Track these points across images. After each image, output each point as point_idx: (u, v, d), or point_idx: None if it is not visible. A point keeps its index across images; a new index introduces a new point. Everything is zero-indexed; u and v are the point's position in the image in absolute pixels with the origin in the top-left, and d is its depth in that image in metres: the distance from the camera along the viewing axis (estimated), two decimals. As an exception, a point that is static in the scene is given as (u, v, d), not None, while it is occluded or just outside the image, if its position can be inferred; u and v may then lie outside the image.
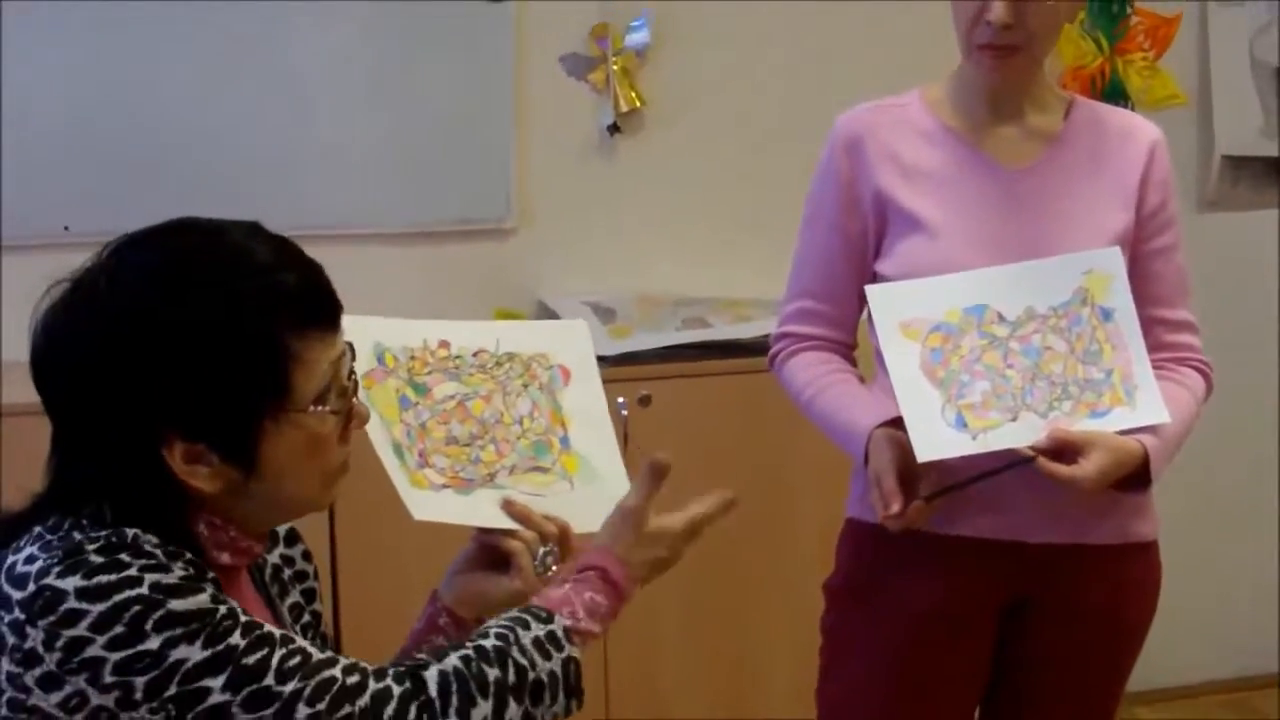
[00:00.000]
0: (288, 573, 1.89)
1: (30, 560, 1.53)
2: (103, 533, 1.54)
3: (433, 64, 3.79)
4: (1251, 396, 4.31)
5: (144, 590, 1.50)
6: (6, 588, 1.54)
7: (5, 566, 1.56)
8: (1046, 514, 2.41)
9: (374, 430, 1.84)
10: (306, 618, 1.89)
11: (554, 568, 1.86)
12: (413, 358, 1.93)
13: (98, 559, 1.51)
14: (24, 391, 2.68)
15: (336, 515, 3.45)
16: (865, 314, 2.46)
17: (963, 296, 2.36)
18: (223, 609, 1.54)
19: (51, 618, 1.50)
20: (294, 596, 1.88)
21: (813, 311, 2.55)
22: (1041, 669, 2.53)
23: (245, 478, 1.62)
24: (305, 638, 1.82)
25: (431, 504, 1.86)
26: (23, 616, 1.51)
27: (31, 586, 1.51)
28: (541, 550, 1.86)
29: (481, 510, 1.88)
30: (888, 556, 2.51)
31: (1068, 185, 2.45)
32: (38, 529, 1.59)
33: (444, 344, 1.96)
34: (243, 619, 1.55)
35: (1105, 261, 2.38)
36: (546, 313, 3.81)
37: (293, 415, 1.61)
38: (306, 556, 1.93)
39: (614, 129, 3.94)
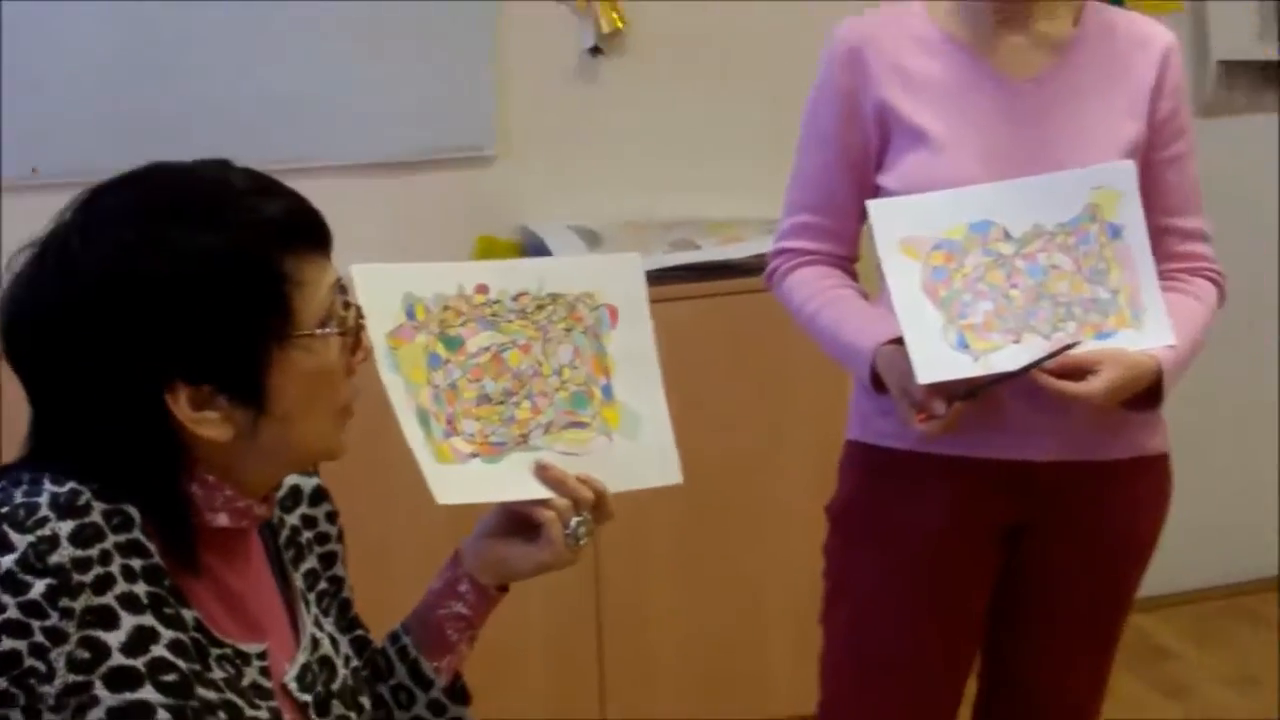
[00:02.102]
0: (306, 535, 1.79)
1: None
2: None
3: (408, -13, 3.69)
4: (1244, 303, 4.24)
5: None
6: None
7: None
8: (1055, 433, 2.36)
9: (398, 397, 1.72)
10: (323, 584, 1.79)
11: (586, 539, 1.75)
12: (446, 307, 1.76)
13: None
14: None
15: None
16: (867, 228, 2.38)
17: (967, 212, 2.29)
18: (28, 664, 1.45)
19: None
20: (310, 562, 1.78)
21: (812, 225, 2.48)
22: (1050, 589, 2.48)
23: (256, 419, 1.54)
24: (319, 606, 1.76)
25: (457, 483, 1.73)
26: None
27: None
28: (575, 520, 1.74)
29: (511, 481, 1.75)
30: (892, 480, 2.46)
31: (1078, 95, 2.38)
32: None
33: (482, 288, 1.79)
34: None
35: (1116, 177, 2.31)
36: (532, 239, 3.74)
37: (298, 340, 1.53)
38: (331, 518, 1.82)
39: (596, 51, 3.85)
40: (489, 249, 3.73)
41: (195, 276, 1.49)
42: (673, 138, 3.94)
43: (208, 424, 1.52)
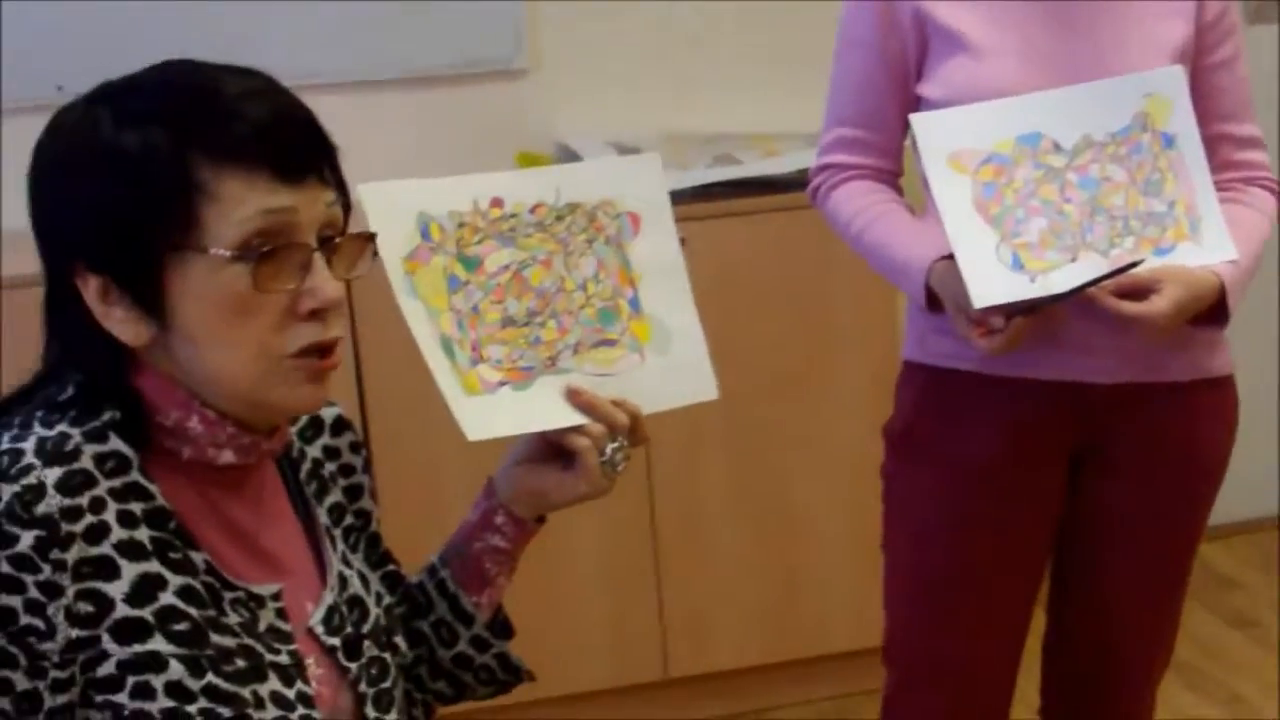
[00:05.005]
0: (329, 467, 1.72)
1: None
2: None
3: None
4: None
5: None
6: None
7: None
8: (1116, 353, 2.29)
9: (418, 325, 1.63)
10: (349, 519, 1.73)
11: (622, 465, 1.67)
12: (461, 224, 1.66)
13: None
14: (25, 262, 2.60)
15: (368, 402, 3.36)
16: (910, 140, 2.31)
17: (1015, 124, 2.21)
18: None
19: None
20: (335, 495, 1.71)
21: (854, 139, 2.40)
22: (1116, 516, 2.42)
23: (161, 330, 1.47)
24: (347, 542, 1.70)
25: (487, 416, 1.63)
26: None
27: None
28: (610, 447, 1.65)
29: (542, 409, 1.67)
30: (951, 402, 2.39)
31: None
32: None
33: (497, 202, 1.68)
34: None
35: (1166, 83, 2.23)
36: (568, 155, 3.67)
37: (196, 255, 1.44)
38: (355, 448, 1.75)
39: (630, -44, 3.77)
40: (528, 167, 3.63)
41: (106, 158, 1.44)
42: (711, 48, 3.86)
43: (115, 322, 1.47)
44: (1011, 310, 2.16)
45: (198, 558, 1.50)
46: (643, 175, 1.78)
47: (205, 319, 1.45)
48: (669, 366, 1.75)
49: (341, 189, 1.53)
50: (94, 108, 1.47)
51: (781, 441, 3.60)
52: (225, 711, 1.46)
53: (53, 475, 1.42)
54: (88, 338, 1.48)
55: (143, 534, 1.46)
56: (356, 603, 1.65)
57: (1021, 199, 2.19)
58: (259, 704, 1.48)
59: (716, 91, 3.86)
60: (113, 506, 1.45)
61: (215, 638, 1.48)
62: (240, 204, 1.43)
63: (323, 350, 1.50)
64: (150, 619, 1.44)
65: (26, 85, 3.40)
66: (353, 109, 3.49)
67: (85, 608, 1.42)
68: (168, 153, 1.42)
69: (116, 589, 1.43)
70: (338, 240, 1.51)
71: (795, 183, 3.35)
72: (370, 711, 1.62)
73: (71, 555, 1.41)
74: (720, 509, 3.61)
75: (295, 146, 1.47)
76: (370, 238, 1.55)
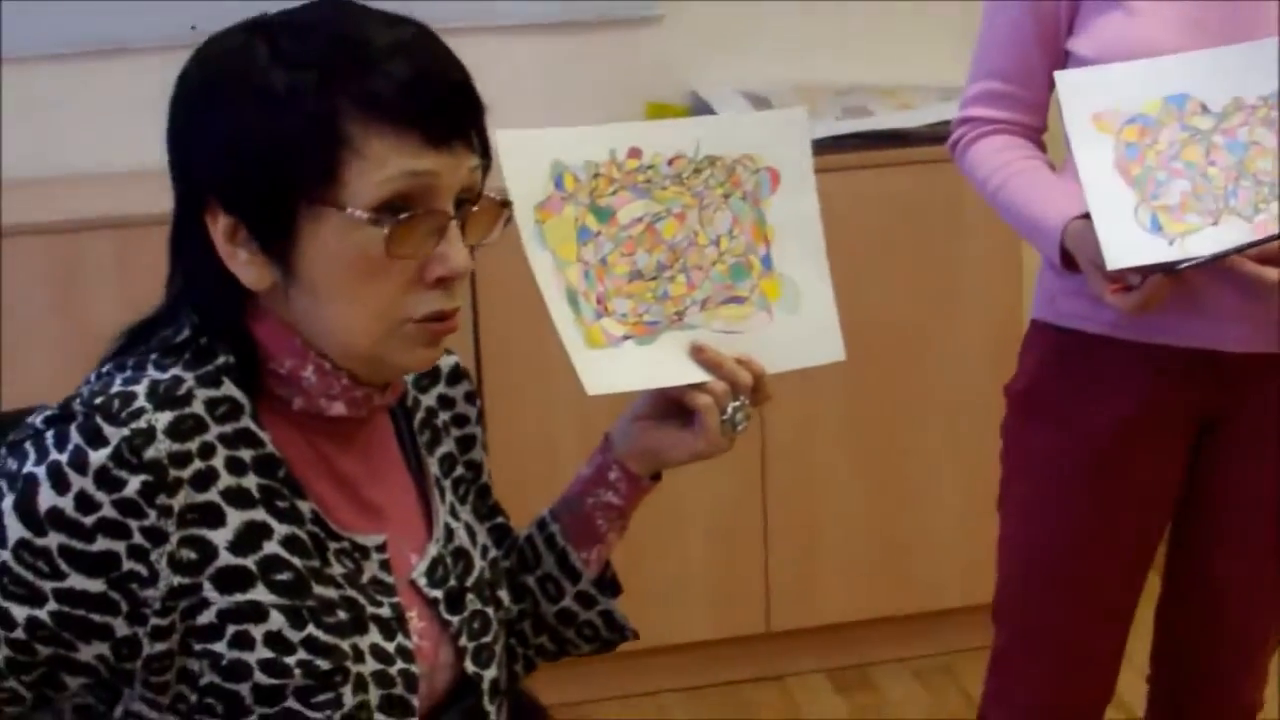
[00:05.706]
0: (443, 416, 1.70)
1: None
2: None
3: None
4: None
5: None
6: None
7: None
8: (1251, 321, 2.22)
9: (544, 276, 1.61)
10: (460, 470, 1.71)
11: (743, 425, 1.64)
12: (596, 175, 1.64)
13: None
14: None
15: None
16: (1056, 97, 2.26)
17: (1162, 84, 2.15)
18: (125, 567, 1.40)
19: None
20: (447, 445, 1.70)
21: (999, 93, 2.35)
22: (1238, 488, 2.36)
23: (284, 279, 1.45)
24: (455, 494, 1.68)
25: (608, 370, 1.61)
26: None
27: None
28: (732, 405, 1.62)
29: (665, 365, 1.64)
30: (1078, 364, 2.34)
31: None
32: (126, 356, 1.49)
33: (634, 152, 1.66)
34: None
35: None
36: (700, 104, 3.64)
37: (332, 211, 1.41)
38: (470, 398, 1.73)
39: (767, -98, 3.72)
40: (659, 116, 3.61)
41: (254, 100, 1.41)
42: (846, -1, 3.81)
43: (239, 263, 1.45)
44: (1148, 271, 2.11)
45: (305, 507, 1.49)
46: (786, 131, 1.75)
47: (331, 275, 1.44)
48: (797, 326, 1.72)
49: (485, 152, 1.50)
50: (252, 39, 1.44)
51: (900, 396, 3.57)
52: (323, 663, 1.45)
53: (163, 420, 1.41)
54: (209, 275, 1.47)
55: (250, 481, 1.45)
56: (461, 555, 1.64)
57: (1164, 161, 2.13)
58: (358, 657, 1.48)
59: (850, 43, 3.81)
60: (222, 453, 1.44)
61: (318, 589, 1.47)
62: (383, 165, 1.41)
63: (443, 316, 1.48)
64: (253, 568, 1.43)
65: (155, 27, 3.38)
66: (487, 53, 3.45)
67: (189, 554, 1.41)
68: (317, 103, 1.40)
69: (221, 536, 1.42)
70: (474, 208, 1.48)
71: (927, 137, 3.32)
72: (470, 665, 1.60)
73: (178, 501, 1.40)
74: (834, 461, 3.58)
75: (444, 109, 1.44)
76: (505, 204, 1.53)
